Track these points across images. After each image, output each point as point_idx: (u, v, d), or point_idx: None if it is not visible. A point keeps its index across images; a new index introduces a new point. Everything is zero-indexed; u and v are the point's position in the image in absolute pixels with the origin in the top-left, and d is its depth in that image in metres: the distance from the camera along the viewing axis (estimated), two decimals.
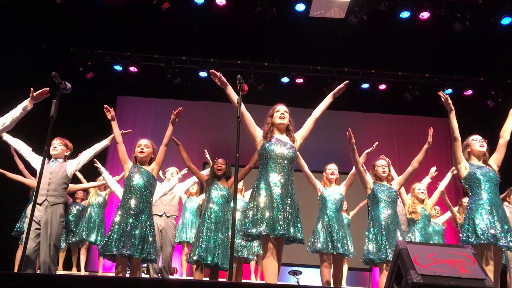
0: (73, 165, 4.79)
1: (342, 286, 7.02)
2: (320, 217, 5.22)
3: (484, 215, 3.86)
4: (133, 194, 4.16)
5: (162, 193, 5.36)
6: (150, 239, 4.13)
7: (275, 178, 3.56)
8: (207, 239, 4.69)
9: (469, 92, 9.24)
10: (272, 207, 3.44)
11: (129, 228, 4.03)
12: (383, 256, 4.45)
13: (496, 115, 9.06)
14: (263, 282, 3.41)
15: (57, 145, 4.77)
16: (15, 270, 5.84)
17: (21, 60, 7.60)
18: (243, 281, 3.62)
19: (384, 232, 4.56)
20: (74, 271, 7.33)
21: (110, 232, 4.05)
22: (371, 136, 10.16)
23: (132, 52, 8.93)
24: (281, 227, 3.37)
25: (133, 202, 4.13)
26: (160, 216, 5.86)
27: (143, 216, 4.13)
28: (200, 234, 4.76)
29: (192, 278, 6.87)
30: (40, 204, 4.46)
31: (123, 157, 4.35)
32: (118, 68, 9.08)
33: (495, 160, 4.16)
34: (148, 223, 4.15)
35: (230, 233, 4.90)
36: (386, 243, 4.50)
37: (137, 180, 4.21)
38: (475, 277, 2.41)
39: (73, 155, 4.97)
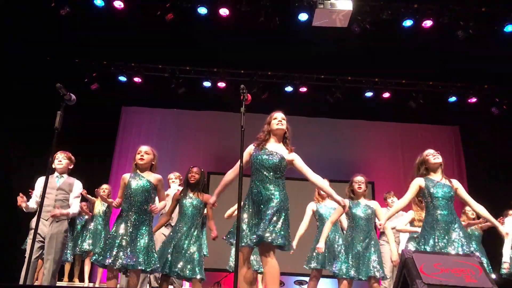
0: (76, 196, 4.68)
1: None
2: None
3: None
4: (132, 203, 4.07)
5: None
6: (152, 249, 4.05)
7: (259, 189, 3.48)
8: (177, 250, 4.39)
9: (474, 100, 9.19)
10: (252, 219, 3.43)
11: (129, 238, 3.93)
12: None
13: (501, 122, 9.09)
14: None
15: (62, 159, 4.61)
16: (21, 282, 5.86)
17: (26, 72, 7.66)
18: None
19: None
20: (76, 282, 7.31)
21: (106, 243, 3.96)
22: (375, 145, 10.17)
23: (136, 63, 8.98)
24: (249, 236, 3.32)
25: (132, 212, 4.04)
26: (165, 226, 5.82)
27: (143, 227, 4.04)
28: (165, 247, 4.46)
29: None
30: (46, 220, 4.43)
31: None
32: (122, 78, 9.11)
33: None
34: (148, 233, 4.06)
35: (200, 245, 4.58)
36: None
37: (135, 187, 4.12)
38: (482, 286, 2.39)
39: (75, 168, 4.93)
